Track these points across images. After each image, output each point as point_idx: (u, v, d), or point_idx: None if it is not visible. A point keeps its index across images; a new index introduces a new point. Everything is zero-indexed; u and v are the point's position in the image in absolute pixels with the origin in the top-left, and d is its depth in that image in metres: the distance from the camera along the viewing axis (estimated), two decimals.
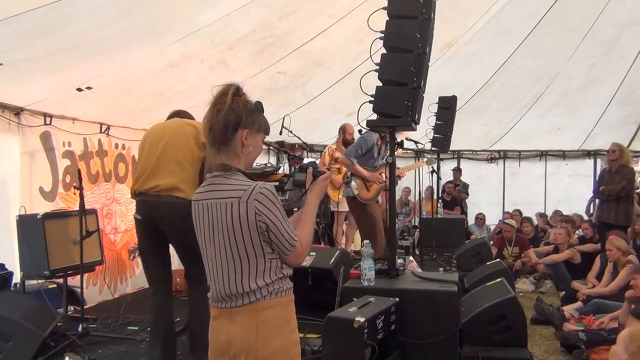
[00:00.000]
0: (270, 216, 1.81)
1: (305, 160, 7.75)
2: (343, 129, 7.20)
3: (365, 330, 2.72)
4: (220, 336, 1.91)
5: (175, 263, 4.58)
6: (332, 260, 4.43)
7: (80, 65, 4.66)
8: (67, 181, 5.39)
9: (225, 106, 1.83)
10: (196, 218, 1.94)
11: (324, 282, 4.51)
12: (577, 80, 8.72)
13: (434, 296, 3.26)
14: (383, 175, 5.44)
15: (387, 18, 3.56)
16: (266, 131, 1.99)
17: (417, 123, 3.75)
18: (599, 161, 10.48)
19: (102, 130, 6.01)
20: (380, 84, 3.62)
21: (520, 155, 10.88)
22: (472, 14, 7.09)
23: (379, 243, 5.19)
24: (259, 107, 1.96)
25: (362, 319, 2.71)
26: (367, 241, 3.53)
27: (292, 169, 6.46)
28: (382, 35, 3.56)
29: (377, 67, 3.59)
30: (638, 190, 8.59)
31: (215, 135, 1.86)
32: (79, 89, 4.99)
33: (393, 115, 3.54)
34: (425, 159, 6.17)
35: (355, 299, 3.12)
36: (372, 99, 3.60)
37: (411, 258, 4.66)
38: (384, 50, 3.62)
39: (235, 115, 1.85)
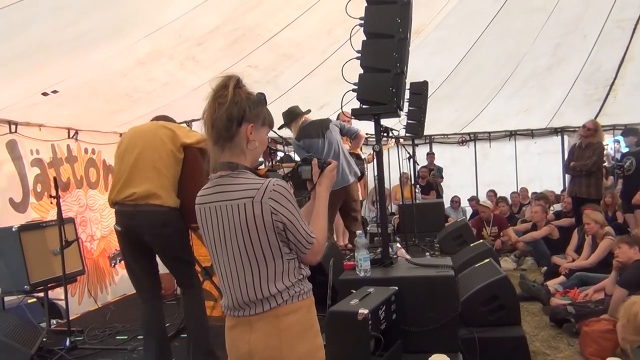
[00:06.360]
0: (287, 214, 1.70)
1: (280, 154, 7.60)
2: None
3: (370, 322, 2.66)
4: (241, 346, 1.77)
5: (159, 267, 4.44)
6: None
7: (44, 69, 4.47)
8: (39, 190, 5.18)
9: (227, 99, 1.71)
10: (203, 223, 1.81)
11: (312, 275, 4.44)
12: (543, 60, 8.85)
13: (432, 282, 3.22)
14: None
15: (366, 4, 3.49)
16: (270, 124, 1.86)
17: (401, 109, 3.71)
18: (566, 138, 10.71)
19: (71, 136, 5.80)
20: (362, 72, 3.55)
21: (490, 137, 11.05)
22: None
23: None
24: (262, 99, 1.84)
25: (366, 311, 2.64)
26: (360, 232, 3.49)
27: (269, 164, 6.31)
28: (362, 21, 3.49)
29: (358, 55, 3.52)
30: (605, 164, 8.79)
31: (218, 132, 1.73)
32: (45, 93, 4.78)
33: (378, 102, 3.48)
34: (393, 140, 6.04)
35: (353, 291, 3.08)
36: (355, 87, 3.54)
37: (398, 244, 4.64)
38: (363, 38, 3.55)
39: (238, 108, 1.73)
